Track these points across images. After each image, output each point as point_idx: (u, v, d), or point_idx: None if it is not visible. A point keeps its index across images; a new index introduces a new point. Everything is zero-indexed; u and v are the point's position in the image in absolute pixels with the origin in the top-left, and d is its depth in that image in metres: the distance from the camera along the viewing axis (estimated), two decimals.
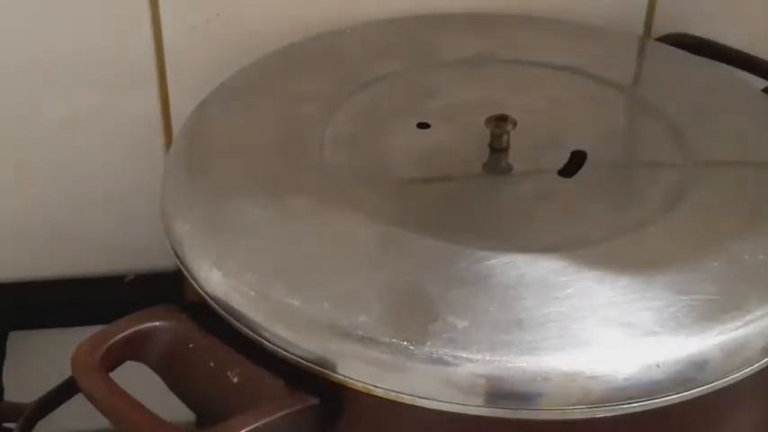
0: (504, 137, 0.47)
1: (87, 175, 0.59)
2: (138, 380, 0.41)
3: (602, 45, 0.55)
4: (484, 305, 0.39)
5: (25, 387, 0.50)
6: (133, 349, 0.41)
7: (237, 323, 0.40)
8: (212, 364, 0.40)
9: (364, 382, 0.38)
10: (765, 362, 0.40)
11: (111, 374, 0.40)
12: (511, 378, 0.37)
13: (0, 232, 0.61)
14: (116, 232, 0.60)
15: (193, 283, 0.42)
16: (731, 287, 0.40)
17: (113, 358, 0.40)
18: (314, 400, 0.39)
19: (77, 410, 0.43)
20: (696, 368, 0.38)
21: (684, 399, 0.38)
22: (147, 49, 0.56)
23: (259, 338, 0.40)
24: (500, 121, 0.47)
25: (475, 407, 0.38)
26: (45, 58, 0.56)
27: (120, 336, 0.41)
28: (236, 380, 0.40)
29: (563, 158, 0.47)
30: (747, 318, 0.39)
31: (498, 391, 0.38)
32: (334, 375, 0.38)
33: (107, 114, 0.58)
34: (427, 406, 0.38)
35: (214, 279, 0.41)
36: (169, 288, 0.44)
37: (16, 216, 0.60)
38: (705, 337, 0.39)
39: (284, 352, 0.39)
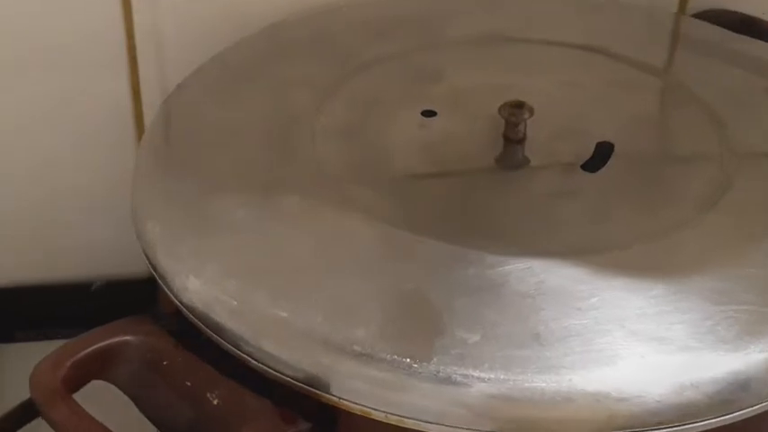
0: (521, 126, 0.45)
1: (55, 170, 0.58)
2: (104, 402, 0.40)
3: (631, 22, 0.54)
4: (497, 317, 0.38)
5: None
6: (99, 368, 0.40)
7: (218, 337, 0.39)
8: (189, 383, 0.39)
9: (362, 405, 0.37)
10: None
11: (75, 396, 0.39)
12: (528, 399, 0.36)
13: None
14: (83, 232, 0.59)
15: (168, 291, 0.41)
16: None
17: (77, 377, 0.39)
18: (305, 425, 0.38)
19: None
20: (738, 388, 0.37)
21: (725, 423, 0.37)
22: (117, 29, 0.54)
23: (243, 354, 0.38)
24: (515, 109, 0.45)
25: None
26: (17, 50, 0.54)
27: (85, 352, 0.39)
28: (216, 402, 0.38)
29: (587, 151, 0.46)
30: None
31: (514, 415, 0.36)
32: (328, 396, 0.37)
33: (75, 102, 0.56)
34: (434, 431, 0.37)
35: (191, 287, 0.40)
36: (142, 297, 0.43)
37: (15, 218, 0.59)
38: (747, 352, 0.37)
39: (271, 370, 0.38)
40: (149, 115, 0.51)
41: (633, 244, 0.41)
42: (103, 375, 0.40)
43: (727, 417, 0.37)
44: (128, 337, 0.40)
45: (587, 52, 0.51)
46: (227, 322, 0.38)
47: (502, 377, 0.36)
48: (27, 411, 0.42)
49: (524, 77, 0.49)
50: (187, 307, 0.40)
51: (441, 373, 0.36)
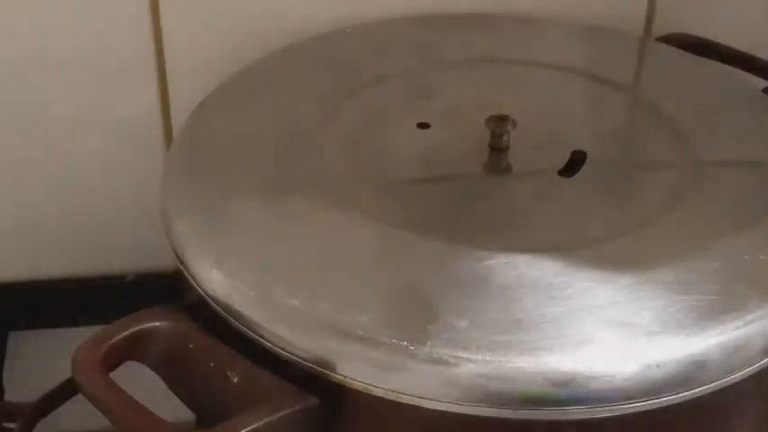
0: (504, 137, 0.47)
1: (88, 175, 0.59)
2: (137, 380, 0.41)
3: (602, 45, 0.55)
4: (483, 305, 0.39)
5: (25, 387, 0.49)
6: (133, 349, 0.41)
7: (237, 323, 0.40)
8: (212, 364, 0.40)
9: (364, 382, 0.38)
10: (765, 362, 0.40)
11: (111, 374, 0.40)
12: (511, 378, 0.37)
13: (1, 232, 0.61)
14: (116, 232, 0.60)
15: (193, 283, 0.42)
16: (731, 287, 0.40)
17: (113, 358, 0.40)
18: (314, 400, 0.39)
19: (77, 410, 0.43)
20: (696, 368, 0.38)
21: (684, 399, 0.38)
22: (148, 49, 0.56)
23: (259, 338, 0.40)
24: (500, 121, 0.47)
25: (475, 407, 0.38)
26: (45, 57, 0.56)
27: (121, 336, 0.41)
28: (235, 380, 0.40)
29: (563, 158, 0.47)
30: (747, 318, 0.39)
31: (498, 391, 0.38)
32: (334, 375, 0.38)
33: (107, 114, 0.58)
34: (427, 406, 0.38)
35: (214, 279, 0.41)
36: (169, 288, 0.44)
37: (17, 216, 0.60)
38: (705, 337, 0.39)
39: (284, 352, 0.39)
40: (177, 127, 0.52)
41: (604, 241, 0.42)
42: (136, 356, 0.41)
43: (687, 393, 0.38)
44: (157, 323, 0.41)
45: (564, 72, 0.52)
46: (245, 310, 0.40)
47: (488, 358, 0.37)
48: (69, 388, 0.43)
49: (509, 94, 0.51)
50: (210, 296, 0.41)
51: (434, 355, 0.37)
